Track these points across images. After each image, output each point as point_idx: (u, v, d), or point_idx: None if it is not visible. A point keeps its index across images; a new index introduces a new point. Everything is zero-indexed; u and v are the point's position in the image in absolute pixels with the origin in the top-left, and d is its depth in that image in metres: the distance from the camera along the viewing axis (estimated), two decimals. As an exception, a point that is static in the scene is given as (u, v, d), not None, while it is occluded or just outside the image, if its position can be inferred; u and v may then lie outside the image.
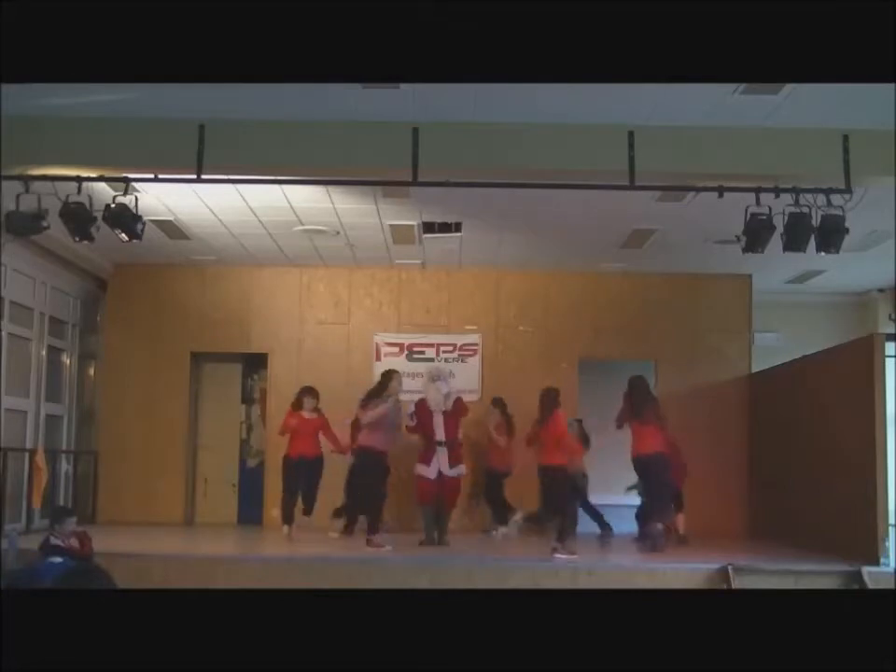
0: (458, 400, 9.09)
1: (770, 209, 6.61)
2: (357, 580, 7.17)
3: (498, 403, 9.94)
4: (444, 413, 8.85)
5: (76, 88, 5.92)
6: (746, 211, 6.67)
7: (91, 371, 11.08)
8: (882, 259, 9.67)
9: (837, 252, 6.72)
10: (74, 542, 6.73)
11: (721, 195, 6.69)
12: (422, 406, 9.02)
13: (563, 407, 8.76)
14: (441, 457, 8.76)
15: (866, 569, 7.31)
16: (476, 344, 10.87)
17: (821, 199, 6.57)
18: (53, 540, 6.65)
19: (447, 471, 8.76)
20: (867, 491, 7.70)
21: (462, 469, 8.94)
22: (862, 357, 7.94)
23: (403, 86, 5.93)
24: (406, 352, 10.83)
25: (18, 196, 6.57)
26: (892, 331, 9.72)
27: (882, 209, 7.57)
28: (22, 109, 6.19)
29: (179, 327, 10.84)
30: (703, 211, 8.09)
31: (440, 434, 8.78)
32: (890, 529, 7.65)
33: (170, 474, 10.68)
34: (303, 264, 10.79)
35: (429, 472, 8.77)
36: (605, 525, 9.93)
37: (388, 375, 8.85)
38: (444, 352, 10.82)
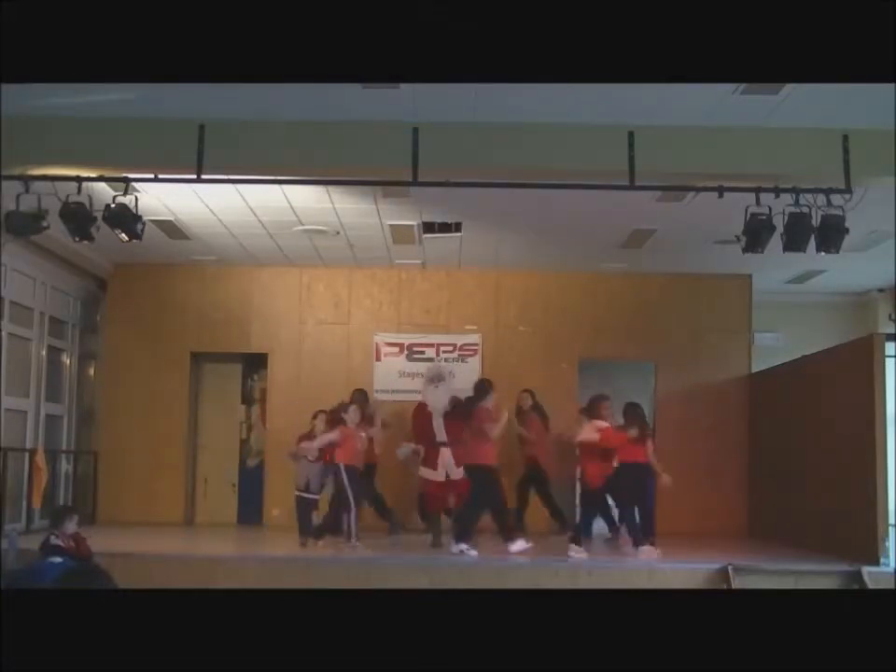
0: (458, 404, 9.04)
1: (770, 209, 6.61)
2: (357, 580, 7.17)
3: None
4: (445, 414, 8.81)
5: (76, 88, 5.92)
6: (746, 211, 6.67)
7: (91, 371, 11.07)
8: (882, 259, 9.67)
9: (837, 252, 6.71)
10: (73, 542, 6.72)
11: (720, 195, 6.69)
12: (420, 409, 8.98)
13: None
14: (446, 458, 8.70)
15: (866, 569, 7.32)
16: (476, 344, 10.87)
17: (821, 199, 6.56)
18: (53, 540, 6.64)
19: (454, 473, 8.69)
20: (867, 491, 7.70)
21: None
22: (862, 357, 7.94)
23: (403, 86, 5.93)
24: (406, 352, 10.83)
25: (18, 196, 6.57)
26: (892, 331, 9.73)
27: (882, 209, 7.57)
28: (22, 109, 6.19)
29: (179, 327, 10.84)
30: (703, 211, 8.09)
31: (440, 435, 8.74)
32: (890, 529, 7.65)
33: (170, 474, 10.68)
34: (303, 264, 10.78)
35: (437, 476, 8.71)
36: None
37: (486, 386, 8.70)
38: (444, 352, 10.82)
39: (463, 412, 8.59)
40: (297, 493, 8.80)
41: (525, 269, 10.81)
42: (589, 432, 8.47)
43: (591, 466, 8.49)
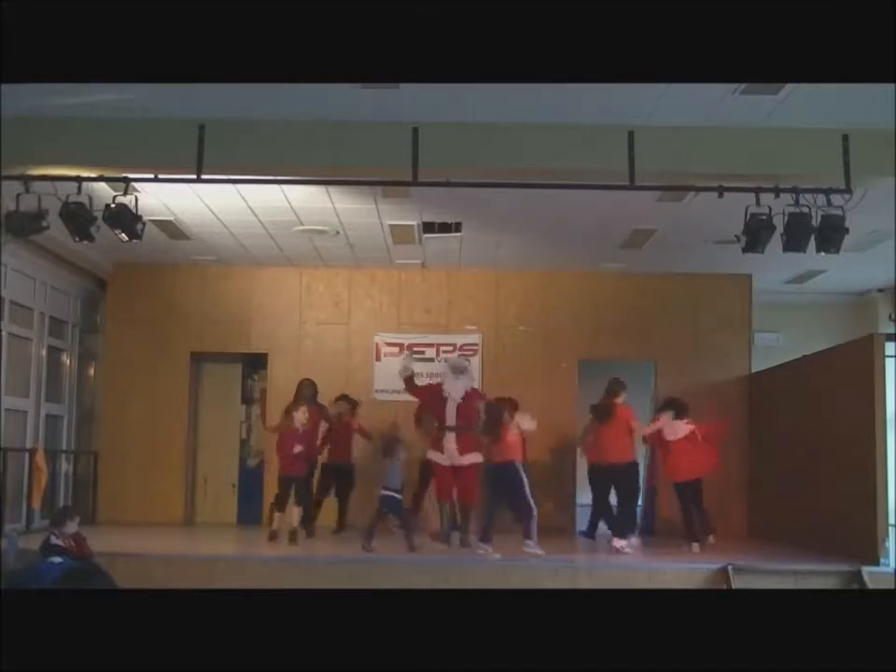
0: (476, 394, 9.04)
1: (770, 209, 6.60)
2: (358, 580, 7.16)
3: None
4: (459, 403, 8.81)
5: (76, 88, 5.92)
6: (746, 211, 6.66)
7: (91, 371, 11.07)
8: (882, 259, 9.66)
9: (837, 252, 6.71)
10: (73, 542, 6.72)
11: (720, 195, 6.68)
12: (436, 390, 8.96)
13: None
14: (450, 444, 8.68)
15: (866, 569, 7.31)
16: (476, 344, 10.87)
17: (821, 199, 6.56)
18: (53, 540, 6.64)
19: (457, 459, 8.66)
20: (867, 491, 7.69)
21: (476, 456, 8.82)
22: (862, 357, 7.94)
23: (403, 86, 5.92)
24: (406, 352, 10.82)
25: (18, 196, 6.56)
26: (892, 331, 9.72)
27: (882, 209, 7.57)
28: (22, 109, 6.19)
29: (179, 327, 10.84)
30: (703, 211, 8.09)
31: (450, 420, 8.74)
32: (890, 529, 7.65)
33: (170, 474, 10.67)
34: (303, 264, 10.78)
35: (443, 459, 8.64)
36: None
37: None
38: (444, 352, 10.81)
39: (602, 411, 8.79)
40: (389, 493, 8.34)
41: (525, 269, 10.80)
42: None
43: (684, 460, 8.85)
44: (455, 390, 8.82)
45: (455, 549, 8.48)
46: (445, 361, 9.76)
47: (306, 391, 9.59)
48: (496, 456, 8.34)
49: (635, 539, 8.67)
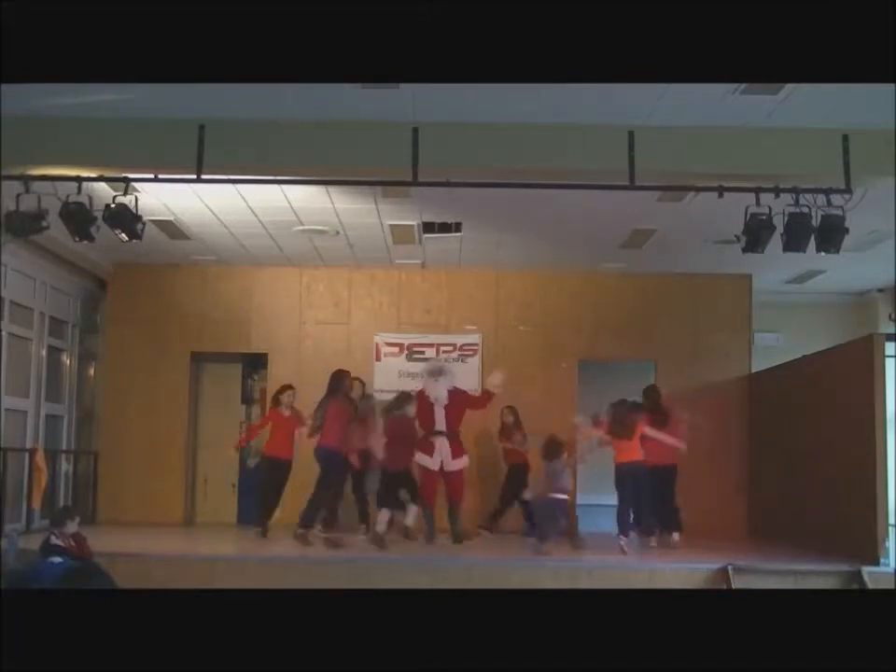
0: (458, 392, 9.06)
1: (770, 209, 6.61)
2: (358, 580, 7.16)
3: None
4: (445, 406, 8.84)
5: (76, 88, 5.92)
6: (746, 211, 6.66)
7: (91, 371, 11.07)
8: (882, 259, 9.66)
9: (837, 252, 6.71)
10: (73, 542, 6.73)
11: (720, 195, 6.68)
12: (421, 398, 8.99)
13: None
14: (443, 448, 8.72)
15: (866, 569, 7.31)
16: (476, 344, 10.87)
17: (821, 199, 6.56)
18: (53, 540, 6.65)
19: (449, 464, 8.72)
20: (867, 491, 7.70)
21: (465, 460, 8.87)
22: (862, 356, 7.94)
23: (403, 86, 5.92)
24: (406, 352, 10.83)
25: (18, 196, 6.56)
26: (892, 331, 9.72)
27: (882, 209, 7.57)
28: (22, 109, 6.19)
29: (179, 327, 10.84)
30: (703, 211, 8.09)
31: (440, 424, 8.78)
32: (890, 529, 7.65)
33: (170, 474, 10.68)
34: (303, 264, 10.79)
35: (432, 463, 8.73)
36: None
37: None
38: (444, 352, 10.82)
39: (660, 419, 8.88)
40: (560, 496, 8.28)
41: (525, 269, 10.80)
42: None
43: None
44: (437, 393, 8.86)
45: (445, 546, 8.53)
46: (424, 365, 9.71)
47: (345, 382, 9.10)
48: (622, 455, 8.39)
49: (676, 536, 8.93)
